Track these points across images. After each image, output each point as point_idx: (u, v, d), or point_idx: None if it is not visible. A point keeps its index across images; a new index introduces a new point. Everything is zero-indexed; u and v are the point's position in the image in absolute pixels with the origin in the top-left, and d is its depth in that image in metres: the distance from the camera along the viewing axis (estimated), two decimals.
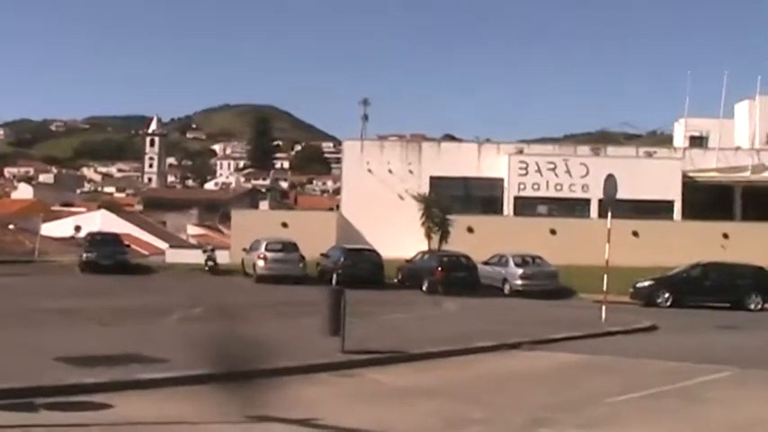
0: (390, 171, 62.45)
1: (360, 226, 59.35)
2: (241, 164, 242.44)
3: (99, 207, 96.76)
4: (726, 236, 57.46)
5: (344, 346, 19.97)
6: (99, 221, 73.89)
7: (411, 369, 19.98)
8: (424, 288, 42.93)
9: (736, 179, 64.07)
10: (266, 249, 45.38)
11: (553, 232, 57.25)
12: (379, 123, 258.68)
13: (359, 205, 61.02)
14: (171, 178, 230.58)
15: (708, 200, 61.48)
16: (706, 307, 40.31)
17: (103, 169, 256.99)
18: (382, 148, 64.79)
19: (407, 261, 46.68)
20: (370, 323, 26.76)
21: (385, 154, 63.61)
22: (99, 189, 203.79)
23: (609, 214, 32.31)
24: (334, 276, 42.15)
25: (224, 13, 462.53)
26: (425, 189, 58.39)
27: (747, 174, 63.93)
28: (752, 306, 40.59)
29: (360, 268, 43.71)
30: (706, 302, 40.97)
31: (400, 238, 52.86)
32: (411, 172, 62.41)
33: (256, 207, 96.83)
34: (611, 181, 32.42)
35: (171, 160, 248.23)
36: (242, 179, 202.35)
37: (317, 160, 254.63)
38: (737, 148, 67.20)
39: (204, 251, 51.36)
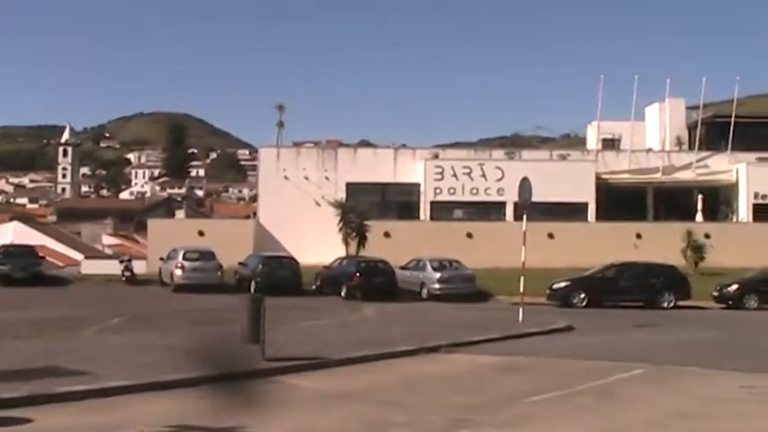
0: (307, 178, 62.41)
1: (277, 233, 59.23)
2: (156, 172, 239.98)
3: (11, 219, 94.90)
4: (639, 236, 58.47)
5: (265, 354, 19.97)
6: (12, 233, 72.39)
7: (332, 374, 20.05)
8: (342, 294, 42.92)
9: (648, 180, 65.32)
10: (183, 258, 45.04)
11: (470, 236, 57.68)
12: (295, 130, 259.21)
13: (276, 212, 60.89)
14: (85, 188, 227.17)
15: (621, 201, 62.57)
16: (621, 306, 40.96)
17: (15, 180, 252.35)
18: (298, 155, 64.70)
19: (325, 267, 46.64)
20: (290, 330, 26.80)
21: (301, 161, 63.54)
22: (11, 200, 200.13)
23: (524, 217, 32.73)
24: (253, 284, 42.48)
25: (136, 20, 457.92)
26: (342, 195, 58.50)
27: (658, 175, 65.21)
28: (665, 304, 41.35)
29: (278, 276, 43.63)
30: (620, 302, 41.63)
31: (318, 244, 52.85)
32: (327, 178, 62.45)
33: (172, 216, 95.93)
34: (525, 184, 32.81)
35: (84, 170, 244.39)
36: (157, 188, 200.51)
37: (233, 168, 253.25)
38: (649, 150, 68.35)
39: (121, 261, 50.75)
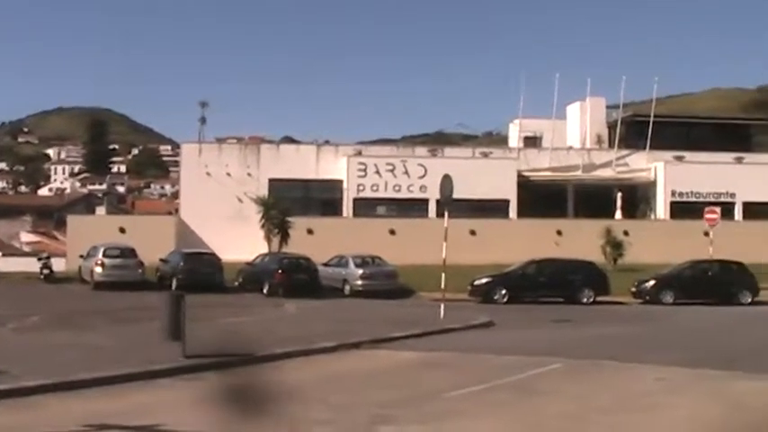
0: (229, 174, 62.16)
1: (199, 230, 58.92)
2: (76, 168, 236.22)
3: None
4: (559, 233, 59.26)
5: (185, 351, 19.88)
6: None
7: (253, 371, 20.01)
8: (264, 291, 42.84)
9: (569, 178, 66.13)
10: (104, 255, 44.64)
11: (392, 232, 57.96)
12: (217, 126, 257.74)
13: (198, 209, 60.55)
14: (2, 184, 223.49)
15: (542, 198, 63.30)
16: (541, 302, 41.47)
17: None
18: (221, 151, 64.40)
19: (248, 264, 46.49)
20: (211, 327, 26.69)
21: (223, 157, 63.25)
22: None
23: (446, 214, 32.96)
24: (174, 281, 42.21)
25: (57, 14, 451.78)
26: (265, 192, 58.36)
27: (579, 173, 66.08)
28: (584, 300, 41.87)
29: (199, 272, 43.42)
30: (541, 298, 42.17)
31: (240, 241, 52.66)
32: (250, 175, 62.26)
33: (93, 212, 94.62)
34: (446, 181, 33.02)
35: (2, 165, 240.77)
36: (77, 184, 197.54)
37: (155, 164, 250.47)
38: (569, 148, 69.17)
39: (39, 259, 50.10)
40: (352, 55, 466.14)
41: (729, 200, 64.82)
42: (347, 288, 43.96)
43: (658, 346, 26.45)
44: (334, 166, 63.01)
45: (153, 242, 49.85)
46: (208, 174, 62.05)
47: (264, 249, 50.19)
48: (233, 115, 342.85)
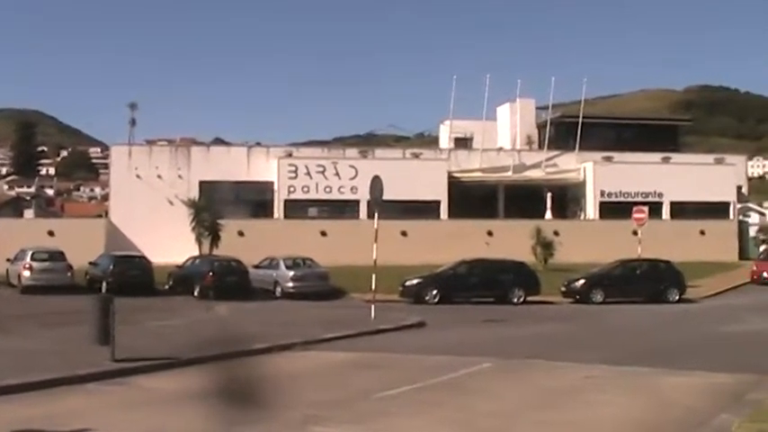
0: (159, 176, 61.70)
1: (129, 233, 58.43)
2: (4, 171, 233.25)
3: None
4: (490, 233, 59.72)
5: (114, 355, 19.73)
6: None
7: (183, 375, 19.87)
8: (195, 293, 42.51)
9: (499, 179, 66.58)
10: (32, 259, 43.96)
11: (323, 234, 58.01)
12: (148, 127, 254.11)
13: (128, 212, 60.04)
14: None
15: (473, 199, 63.68)
16: (472, 302, 41.60)
17: None
18: (151, 153, 63.88)
19: (178, 267, 46.11)
20: (141, 330, 26.55)
21: (154, 159, 62.75)
22: None
23: (376, 215, 33.01)
24: (104, 284, 41.55)
25: None
26: (195, 194, 57.96)
27: (509, 173, 66.57)
28: (515, 300, 42.09)
29: (129, 275, 42.94)
30: (472, 298, 42.28)
31: (171, 243, 52.27)
32: (181, 177, 61.86)
33: (21, 215, 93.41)
34: (376, 182, 33.05)
35: None
36: (5, 187, 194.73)
37: (85, 166, 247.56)
38: (500, 149, 69.67)
39: None
40: (283, 56, 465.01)
41: (657, 199, 65.74)
42: (278, 290, 43.78)
43: (587, 344, 26.78)
44: (265, 167, 62.78)
45: (82, 245, 49.24)
46: (138, 176, 61.54)
47: (195, 252, 49.85)
48: (164, 117, 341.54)
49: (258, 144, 71.12)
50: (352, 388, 18.20)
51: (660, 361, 22.04)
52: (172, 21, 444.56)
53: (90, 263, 45.78)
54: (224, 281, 42.68)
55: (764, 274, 52.67)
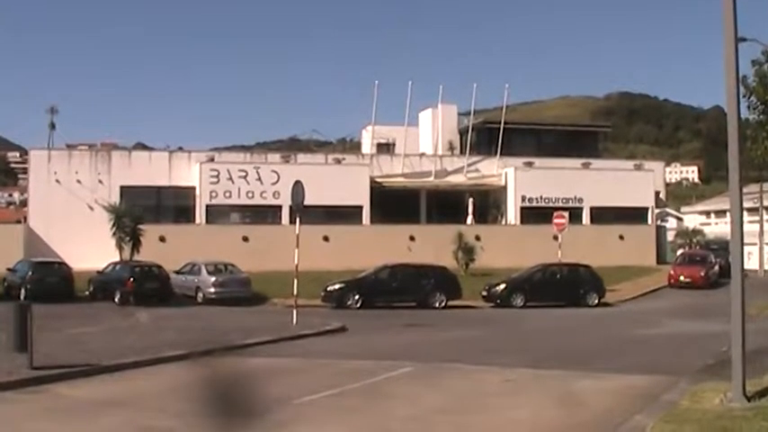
0: (79, 182, 60.85)
1: (48, 239, 57.58)
2: None
3: None
4: (412, 238, 59.95)
5: (32, 362, 19.50)
6: None
7: (101, 382, 19.70)
8: (116, 300, 42.03)
9: (421, 184, 66.82)
10: None
11: (246, 239, 57.76)
12: (68, 132, 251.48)
13: (47, 217, 59.12)
14: None
15: (395, 204, 63.74)
16: (394, 307, 41.64)
17: None
18: (71, 158, 62.88)
19: (99, 273, 45.61)
20: (60, 337, 26.21)
21: (74, 164, 61.86)
22: None
23: (297, 220, 33.01)
24: (22, 291, 41.07)
25: None
26: (116, 199, 57.28)
27: (431, 178, 66.81)
28: (436, 304, 42.33)
29: (48, 282, 42.39)
30: (394, 302, 42.33)
31: (91, 249, 51.66)
32: (101, 182, 61.06)
33: None
34: (298, 187, 33.01)
35: None
36: None
37: (2, 171, 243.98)
38: (422, 155, 69.84)
39: None
40: (205, 60, 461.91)
41: (577, 205, 66.45)
42: (200, 296, 43.55)
43: (506, 348, 27.10)
44: (186, 172, 62.30)
45: (0, 251, 48.54)
46: (57, 181, 60.60)
47: (116, 258, 49.31)
48: (85, 122, 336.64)
49: (180, 149, 70.45)
50: (270, 394, 18.15)
51: (577, 364, 22.41)
52: (93, 24, 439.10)
53: (8, 269, 45.10)
54: (145, 287, 42.29)
55: (681, 278, 53.78)
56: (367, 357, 23.49)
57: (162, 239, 54.93)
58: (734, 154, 15.30)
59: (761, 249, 68.91)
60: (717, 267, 54.88)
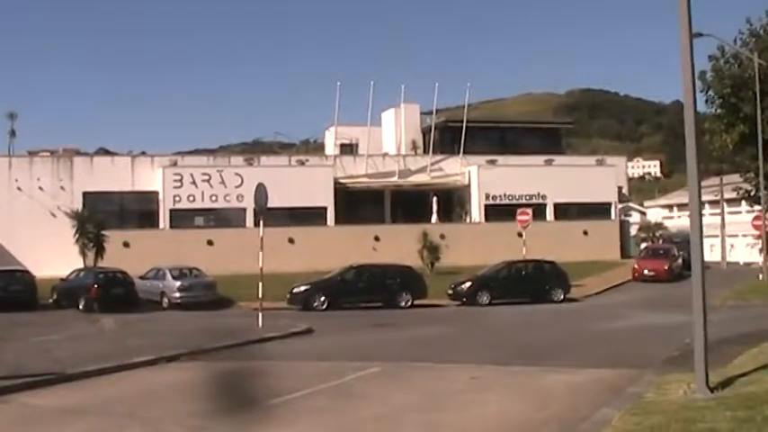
0: (41, 188, 60.49)
1: (10, 246, 57.14)
2: None
3: None
4: (377, 238, 60.07)
5: None
6: None
7: (66, 389, 19.52)
8: (80, 307, 41.81)
9: (385, 184, 66.95)
10: None
11: (210, 243, 57.71)
12: (29, 138, 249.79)
13: (8, 224, 58.63)
14: None
15: (359, 204, 64.04)
16: (360, 307, 41.68)
17: None
18: (32, 164, 62.48)
19: (62, 280, 45.32)
20: (24, 346, 26.08)
21: (35, 170, 61.47)
22: None
23: (261, 223, 32.97)
24: None
25: None
26: (79, 205, 56.97)
27: (395, 178, 66.98)
28: (402, 304, 42.43)
29: (11, 290, 42.04)
30: (360, 303, 42.35)
31: (54, 256, 51.49)
32: (63, 188, 60.73)
33: None
34: (260, 190, 32.94)
35: None
36: None
37: None
38: (385, 155, 70.04)
39: None
40: (167, 64, 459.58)
41: (541, 201, 66.86)
42: (165, 301, 43.37)
43: (473, 345, 27.27)
44: (150, 177, 62.08)
45: None
46: (19, 188, 60.22)
47: (80, 264, 49.07)
48: (46, 128, 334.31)
49: (143, 153, 70.23)
50: (239, 397, 18.16)
51: (544, 359, 22.60)
52: (51, 28, 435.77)
53: None
54: (109, 293, 42.10)
55: (645, 272, 54.25)
56: (335, 358, 23.52)
57: (126, 245, 54.76)
58: (691, 147, 15.44)
59: (723, 241, 69.70)
60: (680, 260, 55.32)
